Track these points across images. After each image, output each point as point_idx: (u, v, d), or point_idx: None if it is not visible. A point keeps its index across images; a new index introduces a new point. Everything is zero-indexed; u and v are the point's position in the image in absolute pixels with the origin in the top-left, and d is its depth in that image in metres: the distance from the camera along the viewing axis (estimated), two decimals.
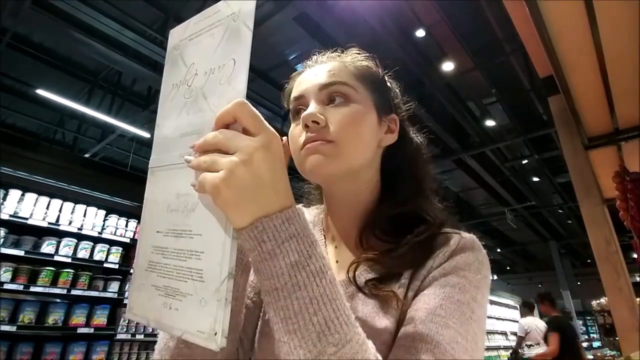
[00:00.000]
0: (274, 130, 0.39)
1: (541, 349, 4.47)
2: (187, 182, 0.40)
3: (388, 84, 0.65)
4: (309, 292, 0.36)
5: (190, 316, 0.38)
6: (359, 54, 0.64)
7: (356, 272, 0.54)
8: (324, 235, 0.65)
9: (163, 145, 0.48)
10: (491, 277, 0.54)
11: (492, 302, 8.60)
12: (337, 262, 0.61)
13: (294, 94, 0.60)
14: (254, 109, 0.38)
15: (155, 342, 0.53)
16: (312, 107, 0.55)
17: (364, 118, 0.56)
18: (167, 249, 0.43)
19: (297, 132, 0.56)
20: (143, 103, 6.18)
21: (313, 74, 0.58)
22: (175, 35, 0.52)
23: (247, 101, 0.38)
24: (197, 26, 0.48)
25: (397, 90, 0.67)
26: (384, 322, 0.49)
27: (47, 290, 2.97)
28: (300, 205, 0.73)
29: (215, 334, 0.35)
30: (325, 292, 0.37)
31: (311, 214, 0.71)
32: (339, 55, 0.63)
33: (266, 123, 0.38)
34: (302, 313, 0.36)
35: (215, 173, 0.36)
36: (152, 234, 0.46)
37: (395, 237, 0.56)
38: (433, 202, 0.62)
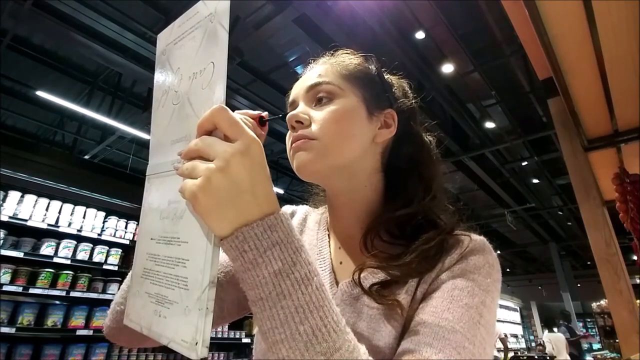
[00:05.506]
0: (253, 135, 0.38)
1: None
2: (177, 189, 0.39)
3: (385, 79, 0.63)
4: (294, 300, 0.35)
5: (176, 324, 0.38)
6: (349, 54, 0.64)
7: (361, 275, 0.53)
8: (328, 235, 0.65)
9: (157, 152, 0.48)
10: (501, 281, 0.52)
11: None
12: (340, 263, 0.60)
13: (289, 100, 0.62)
14: (232, 114, 0.37)
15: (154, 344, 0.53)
16: (298, 108, 0.57)
17: (347, 113, 0.56)
18: (159, 256, 0.43)
19: (288, 135, 0.58)
20: (143, 105, 6.18)
21: (304, 79, 0.61)
22: (162, 39, 0.52)
23: (225, 107, 0.37)
24: (180, 29, 0.48)
25: (403, 86, 0.66)
26: (388, 326, 0.49)
27: (46, 292, 2.96)
28: (305, 206, 0.73)
29: (196, 343, 0.34)
30: (311, 300, 0.36)
31: (317, 213, 0.71)
32: (330, 58, 0.63)
33: (245, 128, 0.38)
34: (288, 322, 0.35)
35: (193, 180, 0.36)
36: (147, 240, 0.46)
37: (402, 240, 0.55)
38: (443, 204, 0.59)
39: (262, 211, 0.37)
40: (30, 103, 6.45)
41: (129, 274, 0.52)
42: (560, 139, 1.95)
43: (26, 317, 2.87)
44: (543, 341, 7.02)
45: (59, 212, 3.21)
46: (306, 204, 0.75)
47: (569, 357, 6.47)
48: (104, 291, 3.32)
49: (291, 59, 5.28)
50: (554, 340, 6.83)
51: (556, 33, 1.20)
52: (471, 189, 8.42)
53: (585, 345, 8.05)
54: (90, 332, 3.12)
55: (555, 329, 7.34)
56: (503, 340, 6.38)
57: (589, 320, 13.38)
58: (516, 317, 11.99)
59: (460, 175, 7.58)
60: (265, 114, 0.53)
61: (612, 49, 1.24)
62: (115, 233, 3.51)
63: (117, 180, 4.02)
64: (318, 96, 0.57)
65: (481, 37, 4.78)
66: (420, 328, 0.44)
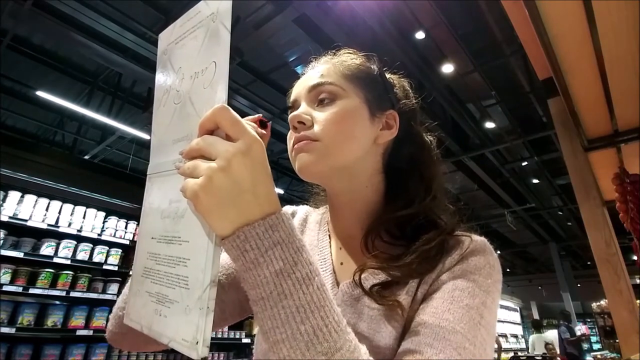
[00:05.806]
0: (255, 135, 0.38)
1: None
2: (178, 188, 0.39)
3: (387, 80, 0.63)
4: (295, 300, 0.35)
5: (177, 323, 0.37)
6: (351, 53, 0.63)
7: (362, 276, 0.53)
8: (329, 236, 0.64)
9: (158, 151, 0.48)
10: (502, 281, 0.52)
11: None
12: (341, 264, 0.60)
13: (289, 99, 0.62)
14: (234, 114, 0.37)
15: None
16: (300, 109, 0.57)
17: (349, 114, 0.56)
18: (160, 255, 0.43)
19: (289, 135, 0.58)
20: (143, 105, 6.18)
21: (305, 78, 0.60)
22: (164, 38, 0.52)
23: (227, 106, 0.37)
24: (182, 28, 0.48)
25: (404, 86, 0.66)
26: (389, 326, 0.49)
27: (46, 292, 2.96)
28: (305, 207, 0.73)
29: (197, 342, 0.34)
30: (312, 300, 0.36)
31: (318, 213, 0.70)
32: (332, 58, 0.63)
33: (247, 127, 0.38)
34: (289, 322, 0.35)
35: (195, 179, 0.36)
36: (148, 240, 0.46)
37: (403, 240, 0.55)
38: (443, 205, 0.59)
39: (264, 211, 0.37)
40: (30, 103, 6.45)
41: (130, 279, 0.52)
42: (560, 139, 1.95)
43: (26, 317, 2.87)
44: (543, 342, 7.29)
45: (59, 212, 3.21)
46: (306, 204, 0.75)
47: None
48: (104, 291, 3.32)
49: (291, 59, 5.28)
50: (539, 341, 7.22)
51: (556, 33, 1.20)
52: (471, 189, 8.42)
53: (585, 346, 8.05)
54: (90, 332, 3.11)
55: (542, 331, 7.70)
56: (497, 339, 6.60)
57: (589, 320, 13.37)
58: (516, 317, 11.98)
59: (460, 175, 7.58)
60: (268, 122, 0.53)
61: (612, 49, 1.24)
62: (115, 233, 3.51)
63: (117, 180, 4.02)
64: (320, 97, 0.57)
65: (481, 37, 4.78)
66: (421, 329, 0.44)
